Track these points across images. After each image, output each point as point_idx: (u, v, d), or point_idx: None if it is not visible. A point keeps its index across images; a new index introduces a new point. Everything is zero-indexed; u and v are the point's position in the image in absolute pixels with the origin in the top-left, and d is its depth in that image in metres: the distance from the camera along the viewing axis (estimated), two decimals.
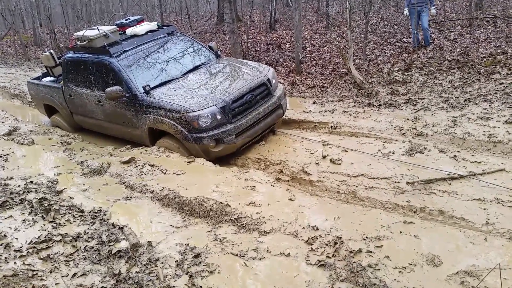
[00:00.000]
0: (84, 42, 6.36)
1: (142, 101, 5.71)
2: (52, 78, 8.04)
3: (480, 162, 4.69)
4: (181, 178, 4.93)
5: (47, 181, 5.06)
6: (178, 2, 19.79)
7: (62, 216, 4.18)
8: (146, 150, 5.81)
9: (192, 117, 5.23)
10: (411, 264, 3.26)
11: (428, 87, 7.25)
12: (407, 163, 4.85)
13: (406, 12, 9.49)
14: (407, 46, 9.70)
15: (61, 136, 7.12)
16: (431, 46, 9.11)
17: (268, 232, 3.80)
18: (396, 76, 7.89)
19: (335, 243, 3.51)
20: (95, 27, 6.53)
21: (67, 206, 4.39)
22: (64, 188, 4.92)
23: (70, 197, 4.70)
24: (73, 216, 4.21)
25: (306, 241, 3.61)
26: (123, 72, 5.93)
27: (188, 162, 5.34)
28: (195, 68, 6.41)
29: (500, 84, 6.65)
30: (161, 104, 5.51)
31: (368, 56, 9.46)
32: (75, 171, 5.48)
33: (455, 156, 4.89)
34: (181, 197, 4.44)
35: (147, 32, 6.69)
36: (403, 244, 3.53)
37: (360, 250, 3.44)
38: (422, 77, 7.69)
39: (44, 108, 8.04)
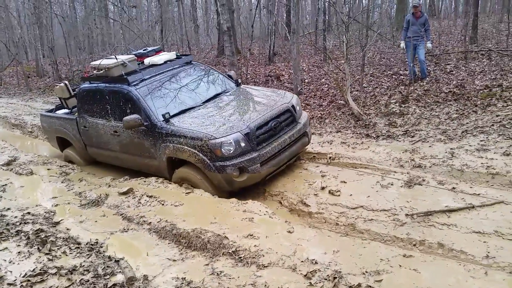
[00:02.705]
0: (101, 71, 6.29)
1: (161, 130, 5.50)
2: (66, 110, 7.80)
3: (479, 194, 4.69)
4: (179, 210, 4.90)
5: (45, 212, 5.04)
6: (180, 35, 20.20)
7: (58, 248, 4.14)
8: (145, 181, 5.80)
9: (215, 144, 5.01)
10: None
11: (425, 119, 7.32)
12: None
13: (402, 45, 9.69)
14: (403, 78, 9.85)
15: (60, 166, 7.11)
16: (427, 78, 9.26)
17: (266, 266, 3.74)
18: (393, 108, 7.98)
19: (334, 278, 3.46)
20: (113, 56, 6.46)
21: (63, 238, 4.36)
22: (61, 220, 4.90)
23: (67, 229, 4.67)
24: (70, 248, 4.17)
25: (305, 275, 3.55)
26: (141, 100, 5.77)
27: (186, 193, 5.31)
28: (216, 95, 6.28)
29: (497, 116, 6.72)
30: (181, 131, 5.31)
31: (365, 88, 9.59)
32: (73, 202, 5.46)
33: (454, 188, 4.89)
34: (179, 229, 4.40)
35: (165, 62, 6.64)
36: (403, 278, 3.47)
37: (359, 285, 3.38)
38: (419, 109, 7.78)
39: (56, 141, 7.77)
